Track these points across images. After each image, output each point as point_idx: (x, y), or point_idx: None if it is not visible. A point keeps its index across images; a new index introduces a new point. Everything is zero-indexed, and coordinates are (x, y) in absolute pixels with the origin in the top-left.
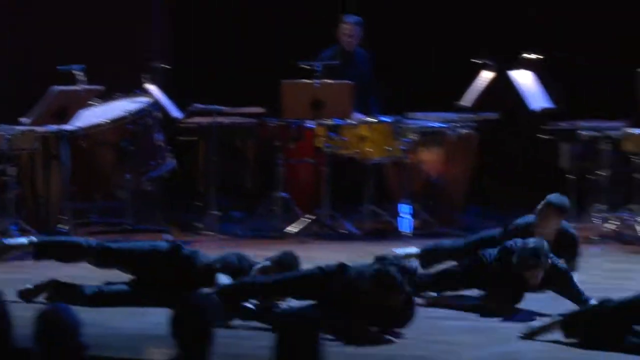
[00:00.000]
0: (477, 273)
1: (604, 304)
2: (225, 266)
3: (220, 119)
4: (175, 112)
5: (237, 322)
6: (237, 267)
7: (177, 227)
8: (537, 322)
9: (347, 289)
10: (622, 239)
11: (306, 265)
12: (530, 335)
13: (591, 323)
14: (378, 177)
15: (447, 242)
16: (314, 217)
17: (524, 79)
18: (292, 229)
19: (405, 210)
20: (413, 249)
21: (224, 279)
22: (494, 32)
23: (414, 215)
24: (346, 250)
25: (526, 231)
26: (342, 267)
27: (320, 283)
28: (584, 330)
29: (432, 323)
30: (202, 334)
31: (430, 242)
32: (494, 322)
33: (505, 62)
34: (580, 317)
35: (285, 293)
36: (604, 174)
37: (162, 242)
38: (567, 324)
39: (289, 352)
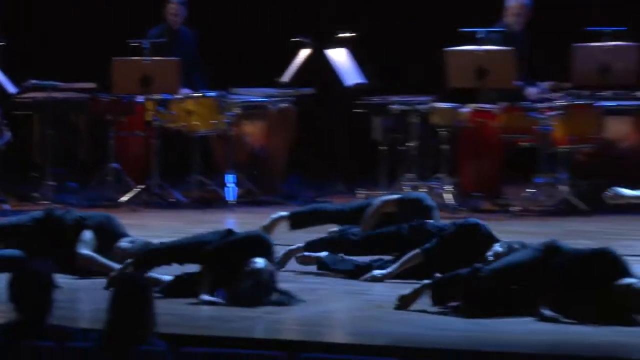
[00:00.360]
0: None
1: (476, 271)
2: (95, 224)
3: (54, 94)
4: (10, 88)
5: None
6: (106, 227)
7: (15, 197)
8: (408, 289)
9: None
10: None
11: (137, 233)
12: (403, 302)
13: (461, 288)
14: (204, 149)
15: (327, 205)
16: (144, 187)
17: (339, 57)
18: (124, 198)
19: (230, 180)
20: (281, 214)
21: (88, 235)
22: (311, 12)
23: (238, 184)
24: (175, 218)
25: (419, 211)
26: (229, 232)
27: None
28: (453, 294)
29: None
30: (40, 298)
31: (306, 206)
32: (320, 284)
33: (321, 40)
34: (451, 281)
35: (186, 258)
36: (413, 145)
37: (37, 211)
38: (437, 286)
39: (121, 312)
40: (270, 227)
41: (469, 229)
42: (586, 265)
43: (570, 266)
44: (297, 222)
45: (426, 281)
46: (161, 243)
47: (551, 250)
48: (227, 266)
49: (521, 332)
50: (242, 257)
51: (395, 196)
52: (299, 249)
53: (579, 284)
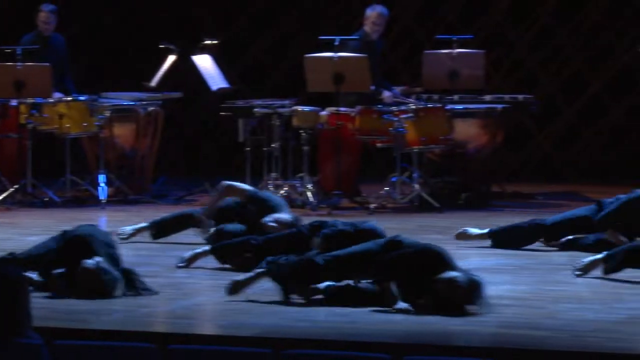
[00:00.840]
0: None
1: (313, 256)
2: None
3: None
4: None
5: None
6: None
7: None
8: (242, 276)
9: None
10: (294, 204)
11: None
12: (235, 288)
13: (299, 275)
14: (77, 150)
15: (186, 210)
16: (18, 187)
17: (204, 63)
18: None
19: (101, 180)
20: (141, 224)
21: None
22: (178, 20)
23: (109, 184)
24: (49, 217)
25: (266, 211)
26: (63, 234)
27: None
28: (288, 278)
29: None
30: None
31: (160, 215)
32: (184, 278)
33: (187, 46)
34: (288, 266)
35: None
36: (276, 146)
37: None
38: (272, 272)
39: None
40: (132, 235)
41: (367, 232)
42: (412, 260)
43: (400, 261)
44: (159, 231)
45: (259, 270)
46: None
47: (392, 244)
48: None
49: (380, 322)
50: (72, 261)
51: (246, 188)
52: (204, 252)
53: (409, 277)
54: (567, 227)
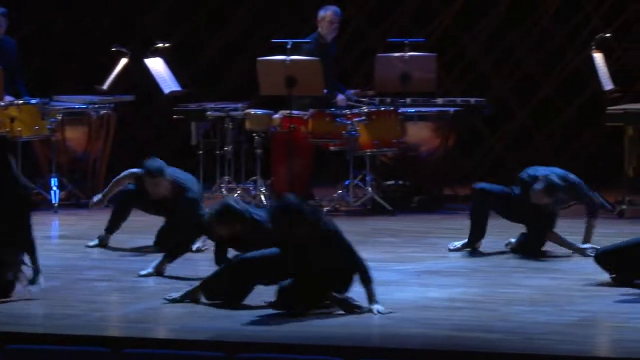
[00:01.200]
0: None
1: (233, 259)
2: None
3: None
4: None
5: None
6: None
7: None
8: (176, 293)
9: None
10: None
11: None
12: (175, 301)
13: (227, 282)
14: (28, 153)
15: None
16: None
17: (156, 66)
18: None
19: (53, 183)
20: (95, 240)
21: None
22: (130, 23)
23: (61, 187)
24: None
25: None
26: None
27: None
28: (222, 289)
29: (85, 284)
30: None
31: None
32: (137, 282)
33: (139, 49)
34: (217, 278)
35: None
36: (229, 149)
37: None
38: (206, 285)
39: None
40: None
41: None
42: None
43: None
44: (110, 227)
45: (193, 287)
46: None
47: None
48: None
49: (334, 325)
50: None
51: (137, 171)
52: (163, 262)
53: None
54: (503, 199)
